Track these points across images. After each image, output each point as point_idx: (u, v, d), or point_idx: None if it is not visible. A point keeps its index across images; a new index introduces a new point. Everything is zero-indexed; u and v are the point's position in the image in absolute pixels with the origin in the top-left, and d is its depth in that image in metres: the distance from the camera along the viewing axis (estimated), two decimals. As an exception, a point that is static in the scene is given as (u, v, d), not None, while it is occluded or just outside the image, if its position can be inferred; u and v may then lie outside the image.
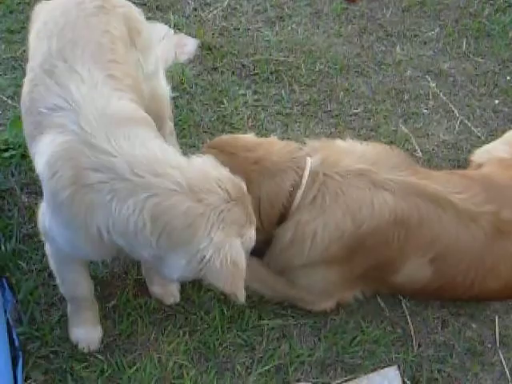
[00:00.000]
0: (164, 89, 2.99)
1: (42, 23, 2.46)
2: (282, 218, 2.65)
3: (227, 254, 2.02)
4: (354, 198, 2.59)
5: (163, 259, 2.09)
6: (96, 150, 2.03)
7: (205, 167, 2.10)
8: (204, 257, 2.01)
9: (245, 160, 2.60)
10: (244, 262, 2.10)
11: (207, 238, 2.00)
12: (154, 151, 2.07)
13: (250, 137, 2.78)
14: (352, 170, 2.62)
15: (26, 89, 2.33)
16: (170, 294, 2.81)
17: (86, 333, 2.65)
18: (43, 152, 2.14)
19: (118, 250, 2.20)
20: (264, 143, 2.70)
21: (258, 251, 2.72)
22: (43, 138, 2.16)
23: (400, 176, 2.64)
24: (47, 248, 2.44)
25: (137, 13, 2.73)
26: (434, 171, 2.98)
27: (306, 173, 2.61)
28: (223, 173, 2.12)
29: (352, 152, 2.73)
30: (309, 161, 2.65)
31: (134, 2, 4.11)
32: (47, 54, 2.30)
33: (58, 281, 2.54)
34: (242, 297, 2.15)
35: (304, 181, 2.61)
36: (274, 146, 2.69)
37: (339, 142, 2.82)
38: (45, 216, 2.28)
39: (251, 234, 2.18)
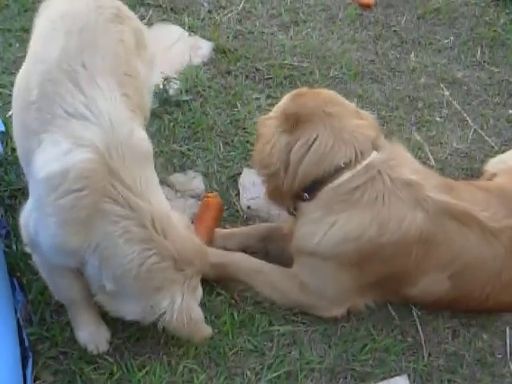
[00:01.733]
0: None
1: (58, 15, 2.46)
2: (315, 182, 2.64)
3: (186, 315, 2.33)
4: (388, 208, 2.59)
5: (120, 299, 2.31)
6: (123, 185, 2.18)
7: (196, 241, 2.43)
8: (162, 312, 2.31)
9: (321, 103, 2.65)
10: (201, 314, 2.47)
11: (168, 298, 2.30)
12: (167, 211, 2.33)
13: (348, 103, 2.80)
14: (404, 180, 2.62)
15: (36, 78, 2.30)
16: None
17: (91, 334, 2.64)
18: (54, 158, 2.15)
19: None
20: (352, 111, 2.73)
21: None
22: (53, 140, 2.18)
23: (438, 195, 2.64)
24: (35, 258, 2.48)
25: (143, 27, 2.81)
26: (457, 182, 2.99)
27: (366, 161, 2.61)
28: (204, 247, 2.51)
29: (411, 163, 2.76)
30: (374, 153, 2.64)
31: (149, 4, 4.19)
32: (65, 51, 2.30)
33: (50, 288, 2.56)
34: (207, 332, 2.54)
35: (359, 167, 2.60)
36: (357, 119, 2.69)
37: (403, 150, 2.82)
38: (29, 220, 2.28)
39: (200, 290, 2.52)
